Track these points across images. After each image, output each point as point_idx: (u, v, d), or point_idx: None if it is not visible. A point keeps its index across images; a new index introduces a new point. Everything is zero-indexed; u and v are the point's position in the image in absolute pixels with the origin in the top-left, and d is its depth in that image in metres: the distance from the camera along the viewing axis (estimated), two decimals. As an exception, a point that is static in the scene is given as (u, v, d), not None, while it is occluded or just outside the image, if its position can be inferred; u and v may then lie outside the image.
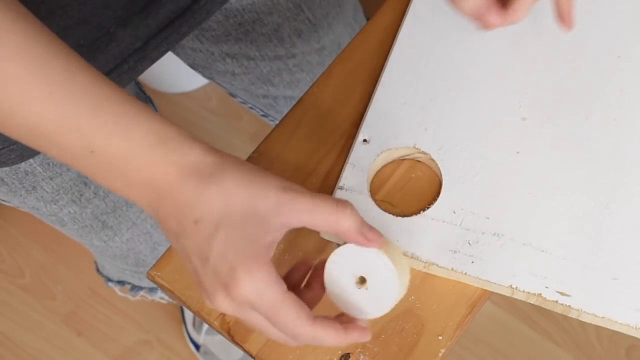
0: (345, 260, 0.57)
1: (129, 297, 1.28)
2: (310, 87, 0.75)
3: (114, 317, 1.47)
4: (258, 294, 0.52)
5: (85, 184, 0.85)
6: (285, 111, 1.01)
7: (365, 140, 0.71)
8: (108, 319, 1.47)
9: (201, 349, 1.43)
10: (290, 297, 0.53)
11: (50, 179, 0.81)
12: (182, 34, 0.75)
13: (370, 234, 0.56)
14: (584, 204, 0.67)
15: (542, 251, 0.66)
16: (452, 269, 0.66)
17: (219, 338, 1.39)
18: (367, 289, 0.57)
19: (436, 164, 0.69)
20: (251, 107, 1.07)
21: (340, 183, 0.70)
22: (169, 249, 0.68)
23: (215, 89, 1.63)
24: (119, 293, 1.26)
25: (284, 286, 0.53)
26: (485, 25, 0.65)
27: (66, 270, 1.50)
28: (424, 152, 0.70)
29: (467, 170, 0.69)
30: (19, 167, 0.77)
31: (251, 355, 0.65)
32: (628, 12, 0.74)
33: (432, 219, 0.68)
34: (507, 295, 0.66)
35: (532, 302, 0.66)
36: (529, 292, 0.65)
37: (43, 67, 0.51)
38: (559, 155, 0.69)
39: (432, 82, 0.73)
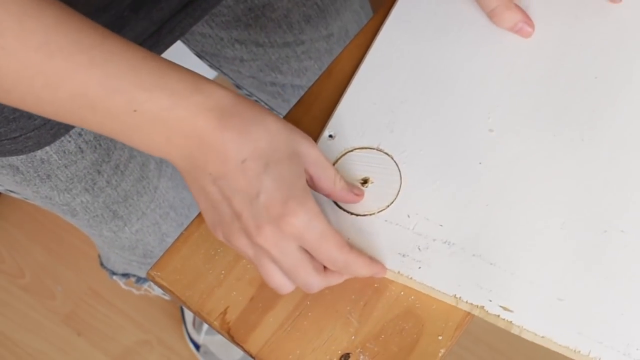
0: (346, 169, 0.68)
1: (133, 290, 1.28)
2: (311, 86, 0.75)
3: (114, 317, 1.48)
4: (309, 224, 0.57)
5: (99, 172, 0.86)
6: (293, 100, 1.01)
7: (330, 136, 0.71)
8: (108, 319, 1.48)
9: (201, 349, 1.43)
10: (333, 228, 0.59)
11: (65, 167, 0.82)
12: (195, 17, 0.76)
13: (357, 191, 0.67)
14: (539, 222, 0.67)
15: (491, 264, 0.66)
16: (399, 272, 0.66)
17: (219, 338, 1.39)
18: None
19: (397, 167, 0.69)
20: (256, 101, 1.08)
21: (301, 175, 0.70)
22: (169, 250, 0.69)
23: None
24: (123, 286, 1.26)
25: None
26: (525, 36, 0.73)
27: (66, 270, 1.51)
28: (387, 154, 0.70)
29: (427, 175, 0.69)
30: (35, 155, 0.78)
31: (251, 355, 0.66)
32: (610, 35, 0.73)
33: (386, 221, 0.68)
34: (452, 304, 0.66)
35: (475, 314, 0.65)
36: (472, 304, 0.65)
37: (81, 35, 0.53)
38: (522, 171, 0.69)
39: (404, 85, 0.72)
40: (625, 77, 0.72)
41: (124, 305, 1.48)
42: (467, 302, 0.65)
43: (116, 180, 0.89)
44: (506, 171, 0.69)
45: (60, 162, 0.81)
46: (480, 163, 0.69)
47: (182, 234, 0.69)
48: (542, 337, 0.64)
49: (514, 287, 0.65)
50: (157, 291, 1.28)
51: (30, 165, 0.80)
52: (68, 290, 1.49)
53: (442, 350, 0.65)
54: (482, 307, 0.65)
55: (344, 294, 0.67)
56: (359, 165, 0.70)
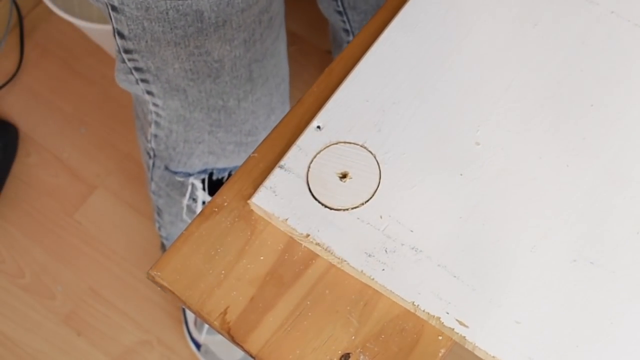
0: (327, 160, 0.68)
1: (194, 205, 1.24)
2: (310, 87, 0.75)
3: (114, 317, 1.48)
4: None
5: (260, 22, 0.87)
6: None
7: (318, 127, 0.71)
8: (108, 319, 1.48)
9: (202, 348, 1.43)
10: None
11: (242, 11, 0.83)
12: None
13: None
14: (510, 242, 0.66)
15: (454, 277, 0.65)
16: (362, 271, 0.66)
17: (220, 338, 1.39)
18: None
19: (378, 167, 0.69)
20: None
21: (282, 162, 0.70)
22: (169, 250, 0.69)
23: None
24: (201, 193, 1.22)
25: None
26: None
27: (66, 270, 1.51)
28: (370, 152, 0.70)
29: (406, 179, 0.69)
30: None
31: (251, 355, 0.66)
32: (613, 65, 0.72)
33: (358, 218, 0.68)
34: (411, 311, 0.66)
35: (432, 324, 0.65)
36: (429, 313, 0.65)
37: None
38: (501, 188, 0.68)
39: (399, 87, 0.72)
40: (621, 108, 0.71)
41: (124, 305, 1.48)
42: (424, 310, 0.65)
43: (266, 34, 0.90)
44: (486, 186, 0.68)
45: (240, 5, 0.81)
46: (461, 174, 0.69)
47: (182, 233, 0.70)
48: (493, 357, 0.63)
49: (473, 303, 0.65)
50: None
51: (215, 9, 0.80)
52: (68, 290, 1.49)
53: (442, 350, 0.65)
54: (439, 318, 0.64)
55: (344, 294, 0.67)
56: (341, 159, 0.70)
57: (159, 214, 1.33)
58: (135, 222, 1.53)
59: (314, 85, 0.75)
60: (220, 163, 1.16)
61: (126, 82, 0.99)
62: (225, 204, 0.70)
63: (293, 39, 1.65)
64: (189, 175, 1.19)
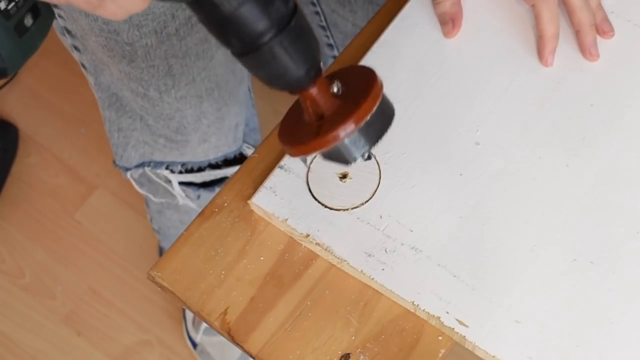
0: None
1: (148, 195, 1.25)
2: None
3: (114, 317, 1.47)
4: None
5: (173, 16, 0.87)
6: None
7: (318, 127, 0.71)
8: (108, 319, 1.47)
9: (198, 348, 1.43)
10: None
11: None
12: None
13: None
14: (509, 241, 0.66)
15: (454, 276, 0.65)
16: (362, 271, 0.66)
17: (216, 339, 1.40)
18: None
19: (378, 167, 0.69)
20: None
21: (282, 162, 0.70)
22: (169, 250, 0.69)
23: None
24: (139, 189, 1.23)
25: None
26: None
27: (66, 270, 1.51)
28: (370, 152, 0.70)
29: (406, 179, 0.69)
30: None
31: (251, 355, 0.66)
32: (614, 65, 0.72)
33: (358, 218, 0.68)
34: (411, 311, 0.66)
35: (432, 324, 0.65)
36: (429, 313, 0.65)
37: None
38: (501, 188, 0.68)
39: (399, 86, 0.72)
40: (621, 108, 0.71)
41: (124, 305, 1.48)
42: (424, 310, 0.65)
43: (184, 32, 0.90)
44: (485, 186, 0.68)
45: None
46: (461, 174, 0.69)
47: (182, 234, 0.70)
48: (493, 356, 0.63)
49: (473, 303, 0.65)
50: (174, 186, 1.23)
51: None
52: (68, 290, 1.49)
53: (442, 350, 0.65)
54: (439, 317, 0.64)
55: (344, 294, 0.67)
56: None
57: (147, 204, 1.34)
58: (135, 222, 1.53)
59: (314, 85, 0.74)
60: (156, 155, 1.16)
61: (66, 45, 1.00)
62: (226, 204, 0.70)
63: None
64: (127, 169, 1.19)
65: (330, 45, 1.10)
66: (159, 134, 1.10)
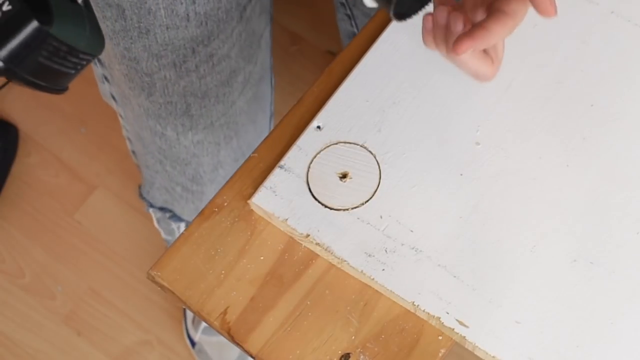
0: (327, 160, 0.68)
1: (161, 229, 1.26)
2: (310, 87, 0.75)
3: (114, 317, 1.47)
4: None
5: (193, 51, 0.86)
6: None
7: (318, 127, 0.71)
8: (108, 319, 1.47)
9: (196, 347, 1.43)
10: None
11: (167, 28, 0.82)
12: None
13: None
14: (510, 241, 0.66)
15: (454, 277, 0.65)
16: (362, 271, 0.66)
17: (214, 339, 1.40)
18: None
19: (378, 167, 0.69)
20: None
21: (282, 162, 0.70)
22: (169, 250, 0.69)
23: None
24: (156, 225, 1.25)
25: None
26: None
27: (66, 270, 1.50)
28: (370, 152, 0.70)
29: (406, 179, 0.69)
30: (145, 3, 0.78)
31: (251, 355, 0.66)
32: (614, 64, 0.72)
33: (358, 218, 0.68)
34: (411, 311, 0.66)
35: (432, 324, 0.65)
36: (429, 313, 0.65)
37: None
38: (501, 188, 0.68)
39: (399, 87, 0.72)
40: (621, 108, 0.71)
41: (124, 305, 1.47)
42: (424, 310, 0.65)
43: (204, 70, 0.89)
44: (486, 186, 0.68)
45: (164, 20, 0.81)
46: (461, 174, 0.69)
47: (182, 234, 0.70)
48: (493, 357, 0.63)
49: (473, 303, 0.65)
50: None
51: (136, 11, 0.80)
52: (68, 290, 1.49)
53: (442, 350, 0.65)
54: (439, 318, 0.64)
55: (344, 294, 0.67)
56: (341, 159, 0.70)
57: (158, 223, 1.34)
58: (135, 222, 1.53)
59: (314, 85, 0.75)
60: (176, 207, 1.17)
61: (97, 76, 1.00)
62: (226, 204, 0.70)
63: (293, 39, 1.64)
64: (151, 205, 1.20)
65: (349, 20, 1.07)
66: (177, 181, 1.10)
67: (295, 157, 0.70)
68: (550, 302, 0.64)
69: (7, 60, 0.51)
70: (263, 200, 0.68)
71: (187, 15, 0.81)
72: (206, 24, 0.83)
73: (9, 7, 0.51)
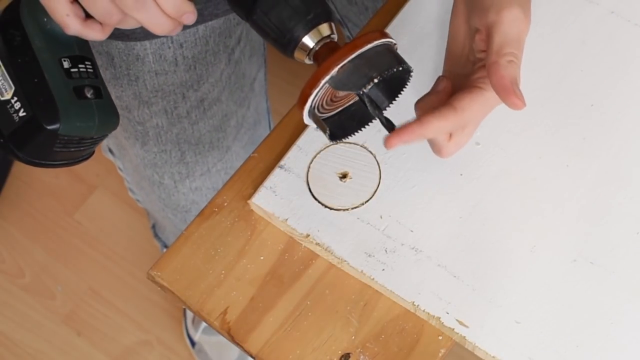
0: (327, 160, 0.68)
1: None
2: None
3: (114, 317, 1.47)
4: None
5: (184, 97, 0.86)
6: None
7: (318, 127, 0.71)
8: (108, 319, 1.47)
9: (196, 347, 1.44)
10: None
11: (156, 74, 0.82)
12: None
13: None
14: (510, 241, 0.66)
15: (454, 277, 0.65)
16: (362, 271, 0.66)
17: (214, 339, 1.40)
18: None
19: (378, 167, 0.69)
20: None
21: (282, 162, 0.70)
22: (169, 250, 0.69)
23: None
24: None
25: None
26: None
27: (66, 270, 1.51)
28: (370, 152, 0.70)
29: (406, 179, 0.69)
30: (133, 49, 0.78)
31: (251, 355, 0.66)
32: (613, 64, 0.72)
33: (358, 218, 0.68)
34: (411, 311, 0.66)
35: (432, 324, 0.65)
36: (429, 313, 0.65)
37: None
38: (501, 188, 0.68)
39: (400, 86, 0.72)
40: (621, 108, 0.71)
41: (124, 305, 1.48)
42: (424, 310, 0.65)
43: (196, 116, 0.89)
44: (486, 186, 0.68)
45: (153, 65, 0.81)
46: (461, 174, 0.69)
47: (182, 234, 0.70)
48: (493, 357, 0.63)
49: (473, 303, 0.65)
50: None
51: (125, 58, 0.80)
52: (68, 290, 1.49)
53: (442, 350, 0.65)
54: (439, 318, 0.64)
55: (344, 294, 0.67)
56: (341, 159, 0.70)
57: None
58: (135, 222, 1.53)
59: (314, 85, 0.74)
60: None
61: None
62: (225, 204, 0.70)
63: (293, 39, 1.64)
64: (165, 246, 1.19)
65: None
66: (179, 227, 1.10)
67: (295, 157, 0.70)
68: (550, 302, 0.64)
69: (27, 158, 0.62)
70: (263, 200, 0.68)
71: (175, 59, 0.81)
72: (195, 67, 0.83)
73: (24, 114, 0.59)
